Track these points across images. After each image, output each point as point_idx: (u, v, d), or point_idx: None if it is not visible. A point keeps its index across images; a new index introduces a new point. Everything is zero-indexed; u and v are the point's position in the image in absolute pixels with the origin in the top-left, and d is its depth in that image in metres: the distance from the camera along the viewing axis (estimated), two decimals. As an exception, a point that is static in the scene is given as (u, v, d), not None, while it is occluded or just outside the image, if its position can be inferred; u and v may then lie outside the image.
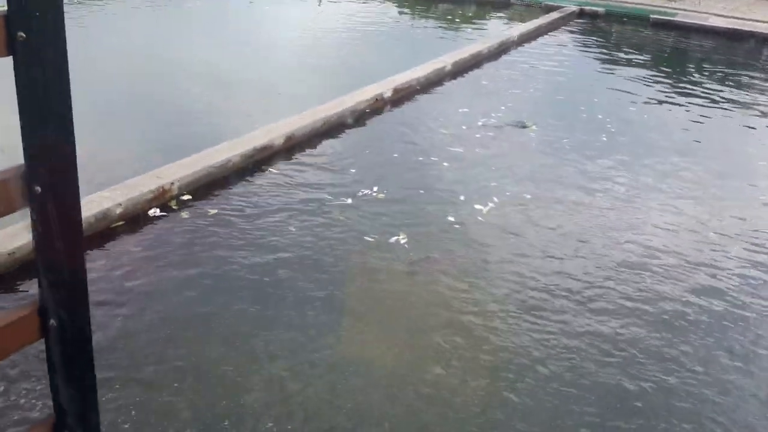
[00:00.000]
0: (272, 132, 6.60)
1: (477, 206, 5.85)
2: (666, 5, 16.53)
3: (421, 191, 6.04)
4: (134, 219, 5.13)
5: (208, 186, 5.74)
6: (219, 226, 5.13)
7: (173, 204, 5.35)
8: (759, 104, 9.58)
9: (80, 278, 1.32)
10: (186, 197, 5.47)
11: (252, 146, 6.27)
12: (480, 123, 7.84)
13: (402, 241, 5.12)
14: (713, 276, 5.07)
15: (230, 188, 5.80)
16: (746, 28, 14.45)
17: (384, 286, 4.66)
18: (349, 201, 5.70)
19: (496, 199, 5.98)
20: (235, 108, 8.01)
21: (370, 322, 4.28)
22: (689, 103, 9.36)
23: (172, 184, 5.44)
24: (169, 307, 4.22)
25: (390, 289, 4.62)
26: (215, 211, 5.35)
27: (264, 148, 6.38)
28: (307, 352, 3.92)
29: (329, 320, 4.22)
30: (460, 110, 8.30)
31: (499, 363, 3.97)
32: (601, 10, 15.61)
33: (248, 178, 6.01)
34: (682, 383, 3.92)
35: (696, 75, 11.30)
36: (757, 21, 15.22)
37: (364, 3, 15.41)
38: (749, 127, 8.65)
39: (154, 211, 5.24)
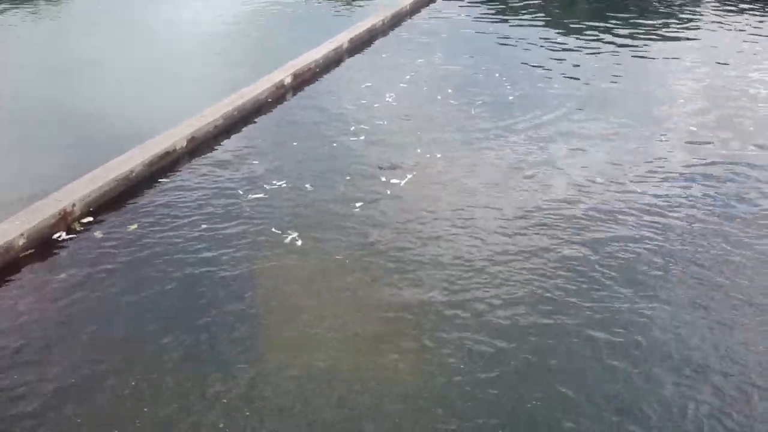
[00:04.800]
0: (173, 136, 6.40)
1: (393, 180, 5.86)
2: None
3: (335, 175, 5.99)
4: (42, 247, 4.90)
5: (114, 201, 5.54)
6: (130, 243, 4.95)
7: (76, 226, 5.12)
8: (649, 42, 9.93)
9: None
10: (87, 219, 5.23)
11: (154, 153, 6.07)
12: (387, 97, 7.82)
13: (298, 242, 4.96)
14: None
15: (138, 200, 5.59)
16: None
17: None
18: (260, 195, 5.60)
19: (409, 171, 6.00)
20: (136, 106, 7.69)
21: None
22: (585, 48, 9.61)
23: (74, 205, 5.21)
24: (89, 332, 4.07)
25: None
26: (131, 226, 5.14)
27: (167, 154, 6.19)
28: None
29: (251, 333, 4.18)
30: (363, 86, 8.26)
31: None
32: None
33: (155, 186, 5.82)
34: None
35: (584, 21, 11.56)
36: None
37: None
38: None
39: (59, 235, 5.02)
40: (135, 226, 5.15)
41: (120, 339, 4.01)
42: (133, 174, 5.79)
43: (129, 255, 4.79)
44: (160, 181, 5.88)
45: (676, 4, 12.39)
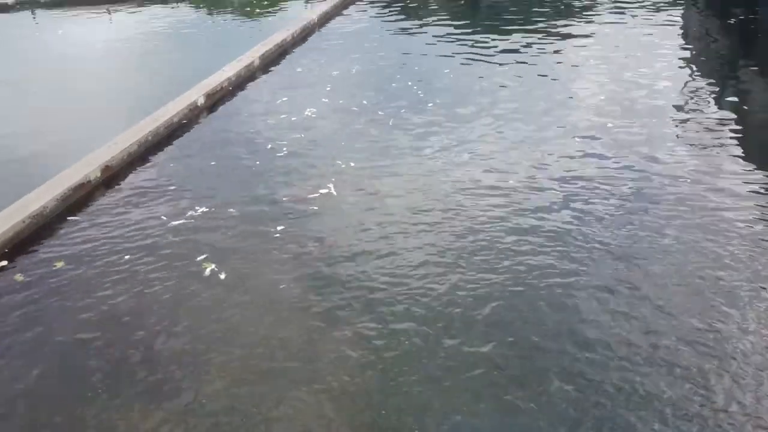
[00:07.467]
0: (87, 166, 6.18)
1: (322, 190, 5.86)
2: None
3: (258, 195, 5.92)
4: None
5: (29, 240, 5.31)
6: (50, 285, 4.75)
7: (-8, 270, 4.90)
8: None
9: None
10: (1, 263, 5.00)
11: (67, 186, 5.85)
12: (306, 111, 7.79)
13: (220, 273, 4.87)
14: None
15: (53, 237, 5.38)
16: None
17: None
18: (182, 221, 5.48)
19: (331, 185, 6.00)
20: (46, 137, 7.41)
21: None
22: (489, 50, 9.86)
23: (-15, 248, 4.98)
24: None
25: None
26: (57, 264, 4.95)
27: (81, 186, 5.98)
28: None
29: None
30: (279, 102, 8.20)
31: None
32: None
33: (69, 221, 5.60)
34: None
35: (487, 22, 11.86)
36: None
37: (162, 8, 14.76)
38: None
39: (-27, 282, 4.77)
40: (61, 263, 4.95)
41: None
42: (47, 210, 5.56)
43: (46, 301, 4.61)
44: (75, 216, 5.66)
45: (576, 6, 12.90)
